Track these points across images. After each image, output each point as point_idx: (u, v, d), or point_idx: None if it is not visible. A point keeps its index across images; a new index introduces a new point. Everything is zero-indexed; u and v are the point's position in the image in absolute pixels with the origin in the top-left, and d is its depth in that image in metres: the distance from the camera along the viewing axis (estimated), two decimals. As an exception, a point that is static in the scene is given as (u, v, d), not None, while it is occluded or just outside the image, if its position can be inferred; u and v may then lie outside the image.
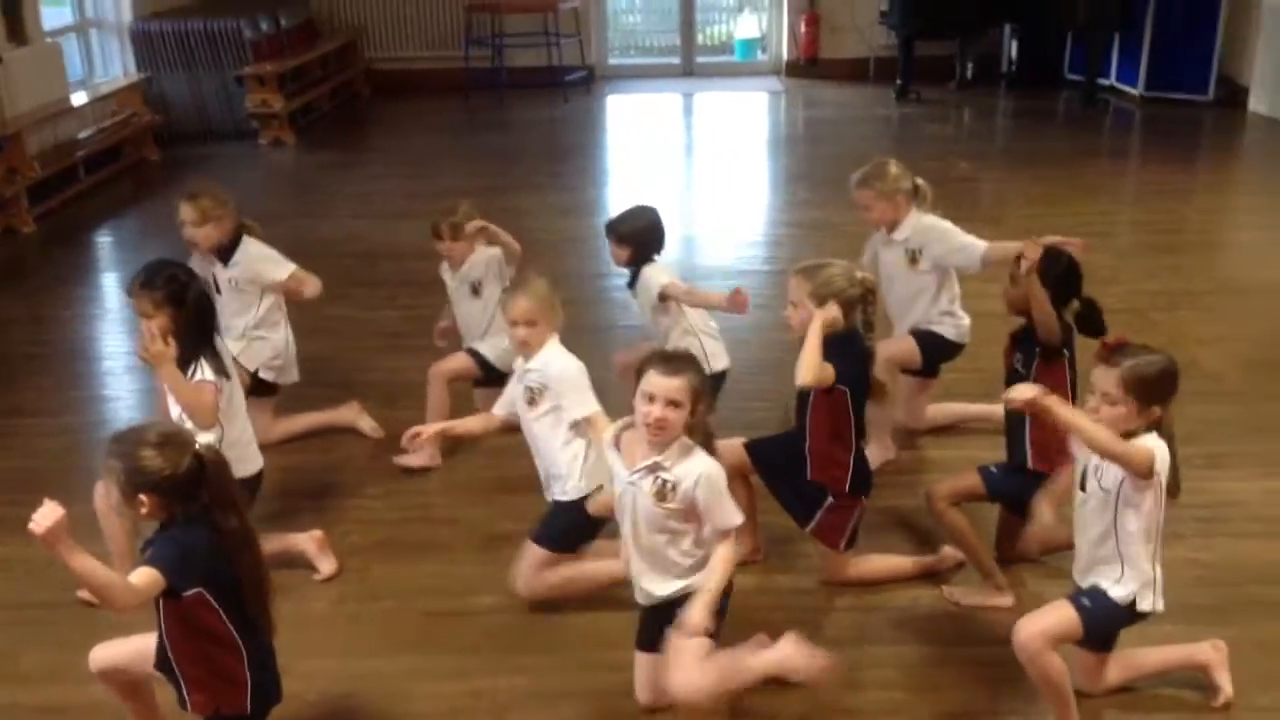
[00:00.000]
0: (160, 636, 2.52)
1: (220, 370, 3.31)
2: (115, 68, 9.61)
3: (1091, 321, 3.40)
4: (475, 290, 4.30)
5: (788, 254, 6.42)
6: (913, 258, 4.09)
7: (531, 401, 3.30)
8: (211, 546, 2.45)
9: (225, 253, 4.20)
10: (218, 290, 4.16)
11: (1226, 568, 2.93)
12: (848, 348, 3.26)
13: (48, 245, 7.16)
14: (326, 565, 3.58)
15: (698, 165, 9.46)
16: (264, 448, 3.68)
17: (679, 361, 2.74)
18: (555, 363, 3.29)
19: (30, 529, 2.23)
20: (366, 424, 4.45)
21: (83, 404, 4.97)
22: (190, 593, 2.43)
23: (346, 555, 3.70)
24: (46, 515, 2.22)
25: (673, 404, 2.65)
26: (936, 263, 4.07)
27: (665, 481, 2.70)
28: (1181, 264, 6.26)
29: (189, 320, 3.28)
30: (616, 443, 2.83)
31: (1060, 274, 3.39)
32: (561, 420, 3.26)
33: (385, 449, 4.34)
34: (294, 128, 9.70)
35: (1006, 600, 3.30)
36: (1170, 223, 7.04)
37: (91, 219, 7.75)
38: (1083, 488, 2.79)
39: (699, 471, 2.69)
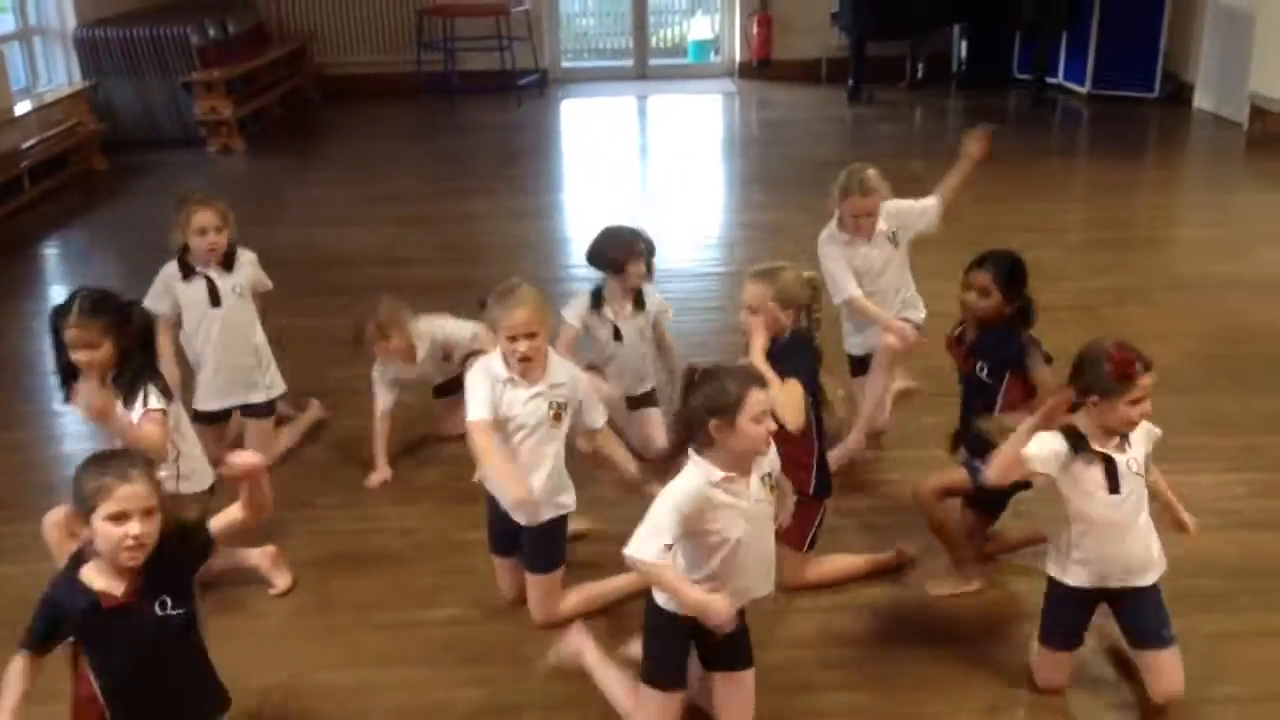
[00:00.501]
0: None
1: (165, 391, 3.18)
2: (60, 75, 9.46)
3: (1027, 315, 3.45)
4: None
5: (744, 255, 6.44)
6: (895, 241, 4.23)
7: (557, 417, 3.17)
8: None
9: (228, 259, 4.08)
10: (217, 303, 4.04)
11: (1177, 560, 2.96)
12: (804, 350, 3.27)
13: (-8, 257, 7.04)
14: (281, 580, 3.53)
15: (652, 168, 9.47)
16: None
17: (757, 370, 2.85)
18: (576, 373, 3.27)
19: None
20: (316, 410, 4.47)
21: (31, 419, 4.89)
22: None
23: (301, 568, 3.65)
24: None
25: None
26: (910, 235, 4.26)
27: (772, 475, 2.74)
28: (1130, 260, 6.35)
29: (135, 345, 3.16)
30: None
31: (1009, 272, 3.42)
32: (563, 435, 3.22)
33: (338, 460, 4.30)
34: (244, 134, 9.60)
35: (974, 586, 3.37)
36: (1118, 219, 7.14)
37: (37, 230, 7.62)
38: (1116, 490, 2.78)
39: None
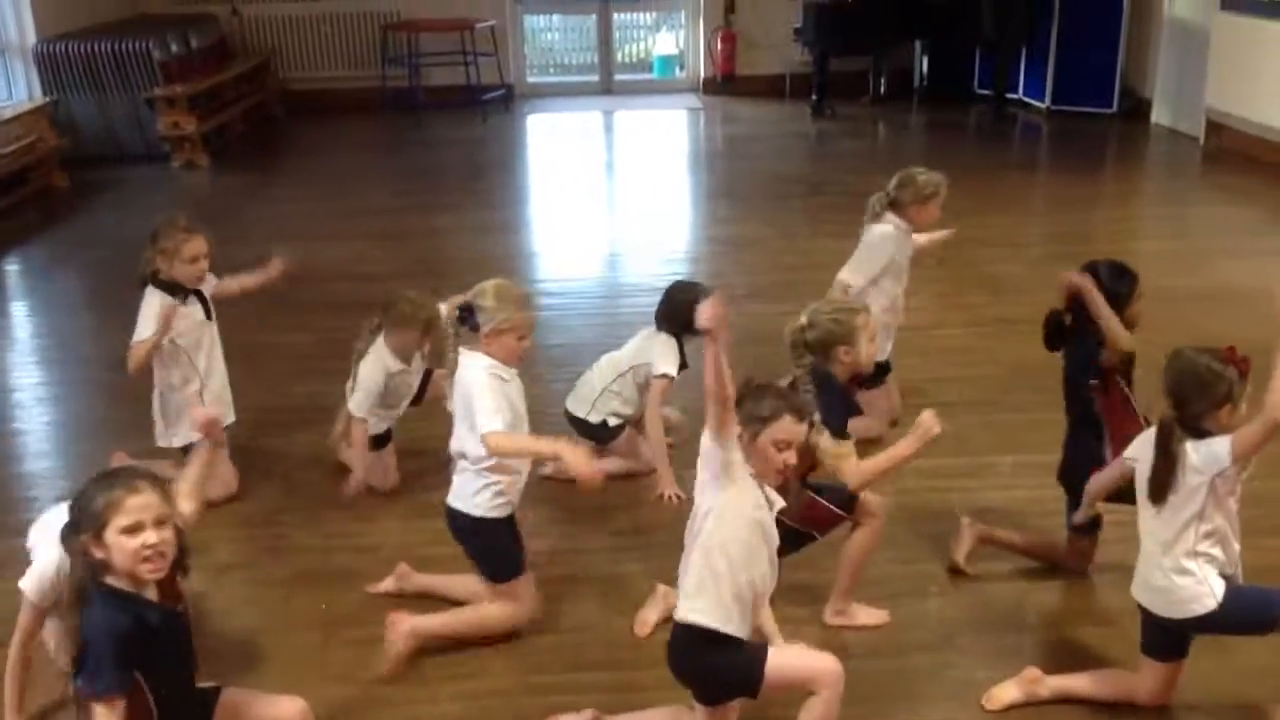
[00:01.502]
0: None
1: None
2: (20, 90, 9.37)
3: None
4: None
5: (709, 269, 6.47)
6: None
7: None
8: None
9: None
10: (210, 315, 4.11)
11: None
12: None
13: (-49, 274, 6.96)
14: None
15: (619, 182, 9.50)
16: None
17: (800, 399, 2.77)
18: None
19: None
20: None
21: (52, 399, 4.84)
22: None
23: (266, 587, 3.63)
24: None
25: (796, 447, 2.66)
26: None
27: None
28: (1091, 273, 6.41)
29: None
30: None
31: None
32: None
33: (301, 477, 4.28)
34: (207, 150, 9.54)
35: None
36: (1078, 233, 7.22)
37: (-4, 246, 7.54)
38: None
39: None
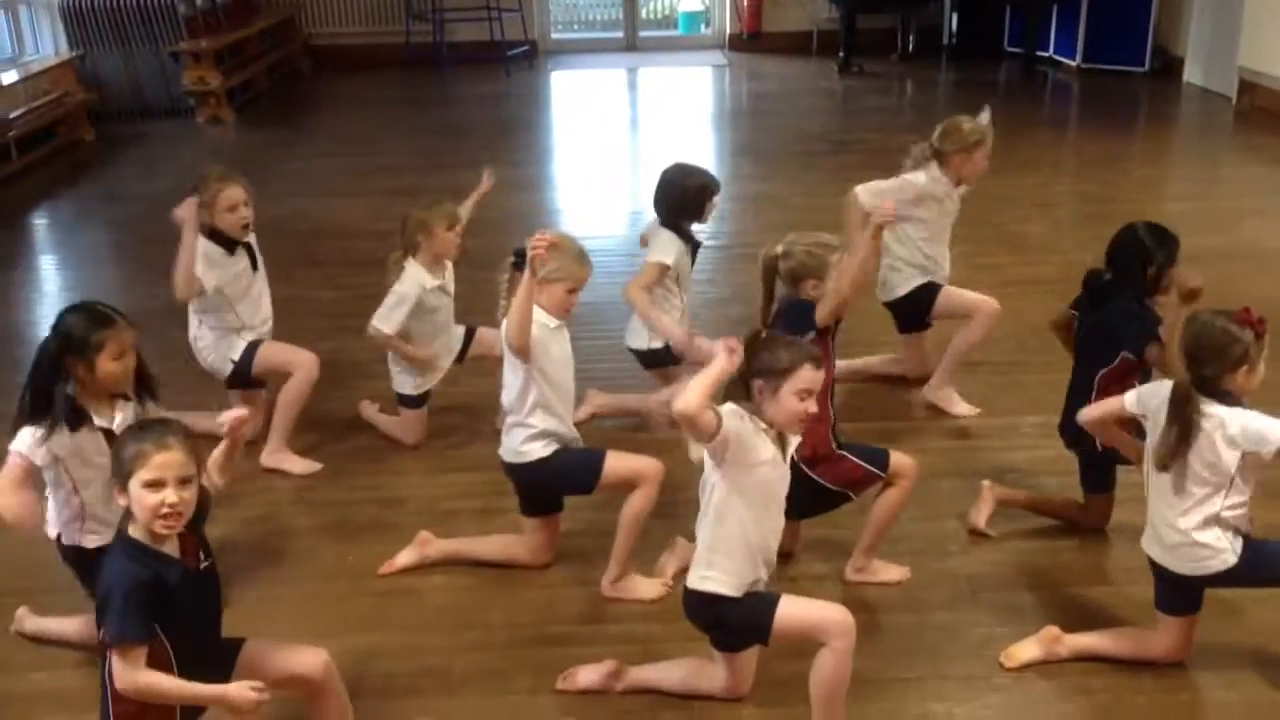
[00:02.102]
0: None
1: None
2: (46, 45, 9.40)
3: None
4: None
5: (733, 228, 6.45)
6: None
7: None
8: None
9: None
10: (256, 266, 4.10)
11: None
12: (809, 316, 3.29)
13: (-20, 228, 7.02)
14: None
15: (643, 140, 9.45)
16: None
17: (814, 349, 2.69)
18: None
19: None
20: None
21: (18, 391, 4.87)
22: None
23: (295, 536, 3.68)
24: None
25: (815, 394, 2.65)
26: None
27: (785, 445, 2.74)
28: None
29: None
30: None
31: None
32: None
33: (326, 431, 4.32)
34: (232, 105, 9.56)
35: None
36: (1107, 193, 7.16)
37: (25, 201, 7.60)
38: None
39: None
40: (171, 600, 2.32)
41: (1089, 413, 3.13)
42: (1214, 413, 2.72)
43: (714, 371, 2.47)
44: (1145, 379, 3.26)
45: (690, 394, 2.46)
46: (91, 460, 2.84)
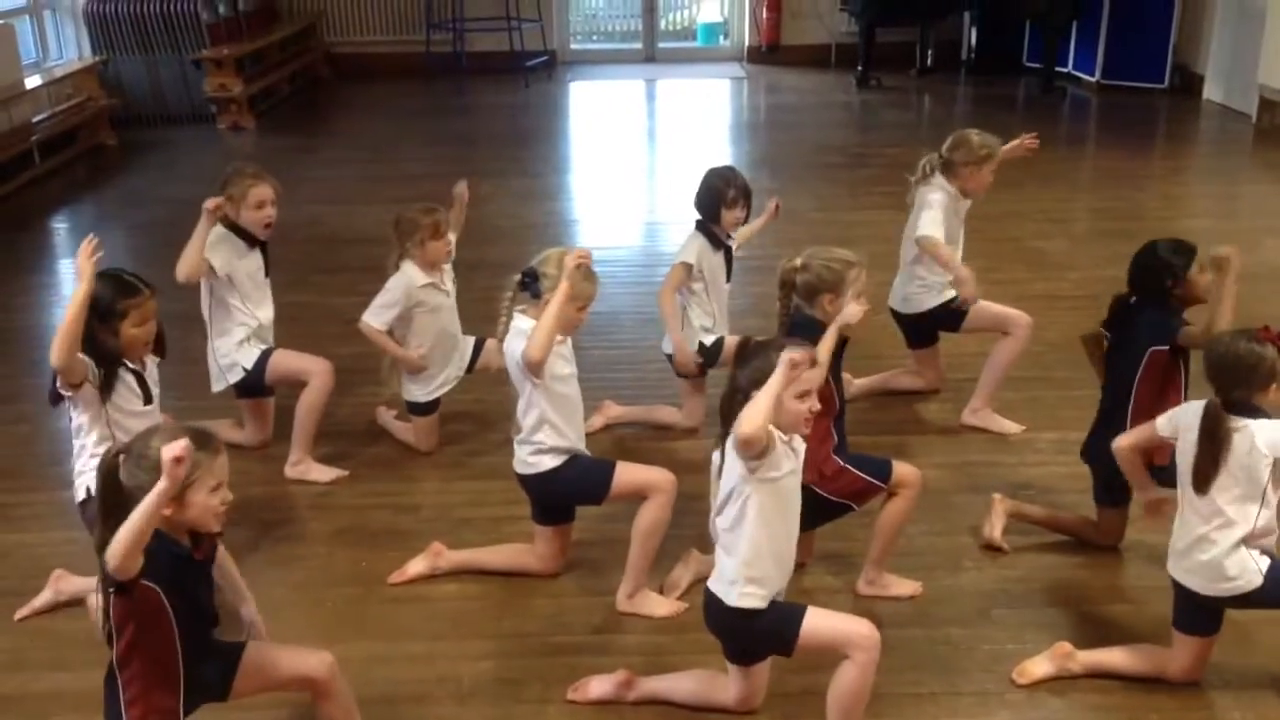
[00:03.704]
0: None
1: None
2: (70, 50, 9.48)
3: None
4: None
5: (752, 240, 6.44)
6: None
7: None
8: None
9: None
10: (267, 273, 4.12)
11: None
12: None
13: (2, 231, 7.07)
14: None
15: (660, 151, 9.47)
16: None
17: (809, 348, 2.66)
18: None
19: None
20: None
21: (38, 391, 4.84)
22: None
23: (308, 542, 3.70)
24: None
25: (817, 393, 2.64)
26: None
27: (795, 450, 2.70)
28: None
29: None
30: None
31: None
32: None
33: (342, 437, 4.34)
34: (253, 112, 9.62)
35: None
36: (1126, 210, 7.14)
37: (47, 205, 7.66)
38: None
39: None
40: (176, 579, 2.34)
41: (1124, 441, 3.09)
42: (1243, 424, 2.73)
43: (773, 388, 2.47)
44: (1171, 382, 3.29)
45: (755, 417, 2.45)
46: (125, 398, 3.11)
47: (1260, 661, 3.05)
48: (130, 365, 3.14)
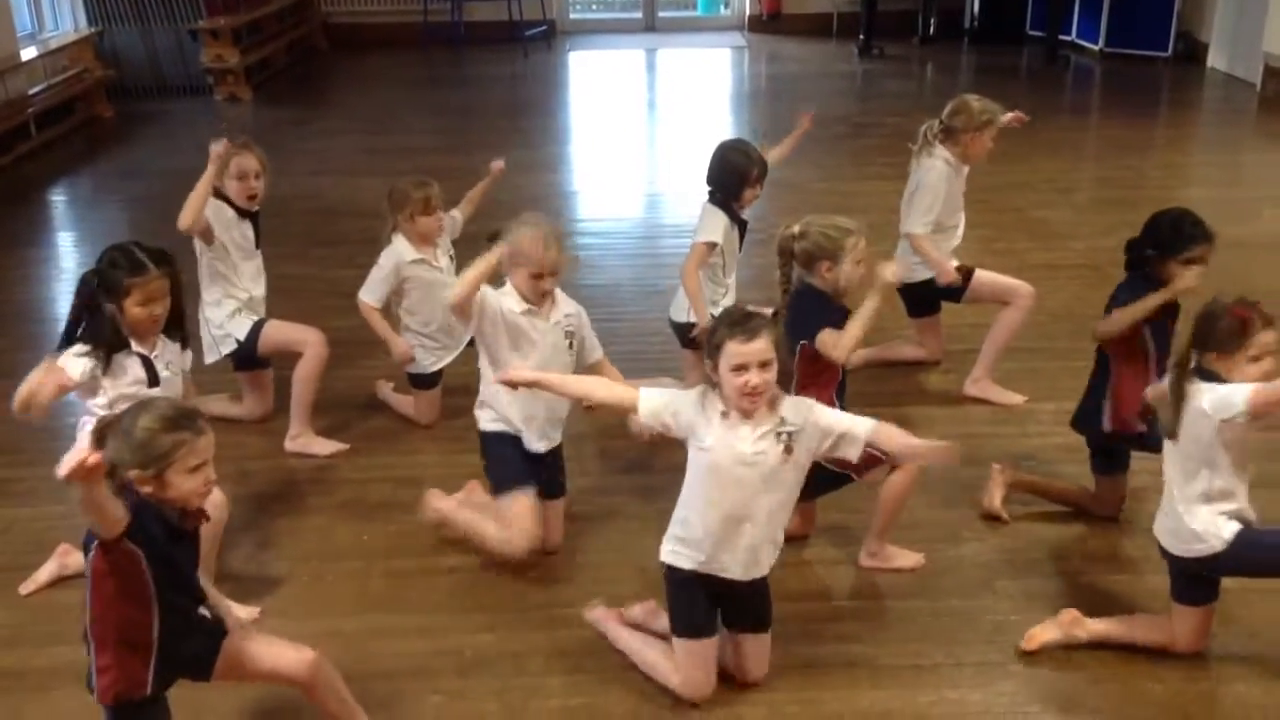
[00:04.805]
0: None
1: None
2: (66, 21, 9.41)
3: None
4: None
5: (752, 211, 6.40)
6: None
7: (570, 346, 3.28)
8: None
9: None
10: (258, 244, 4.09)
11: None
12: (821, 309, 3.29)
13: (-1, 204, 7.04)
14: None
15: (661, 122, 9.41)
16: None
17: (751, 320, 2.62)
18: (573, 303, 3.32)
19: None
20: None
21: (35, 365, 4.89)
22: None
23: (309, 515, 3.69)
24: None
25: (764, 365, 2.59)
26: None
27: (790, 434, 2.65)
28: (1139, 220, 6.17)
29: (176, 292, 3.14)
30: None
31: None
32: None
33: (342, 410, 4.32)
34: (250, 83, 9.56)
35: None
36: (1129, 179, 7.10)
37: (44, 177, 7.62)
38: None
39: (805, 408, 2.69)
40: (160, 544, 2.32)
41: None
42: (1196, 387, 2.75)
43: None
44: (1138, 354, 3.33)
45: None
46: (129, 381, 3.04)
47: (1266, 631, 3.04)
48: (136, 349, 3.06)
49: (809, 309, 3.27)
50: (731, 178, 4.04)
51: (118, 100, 9.12)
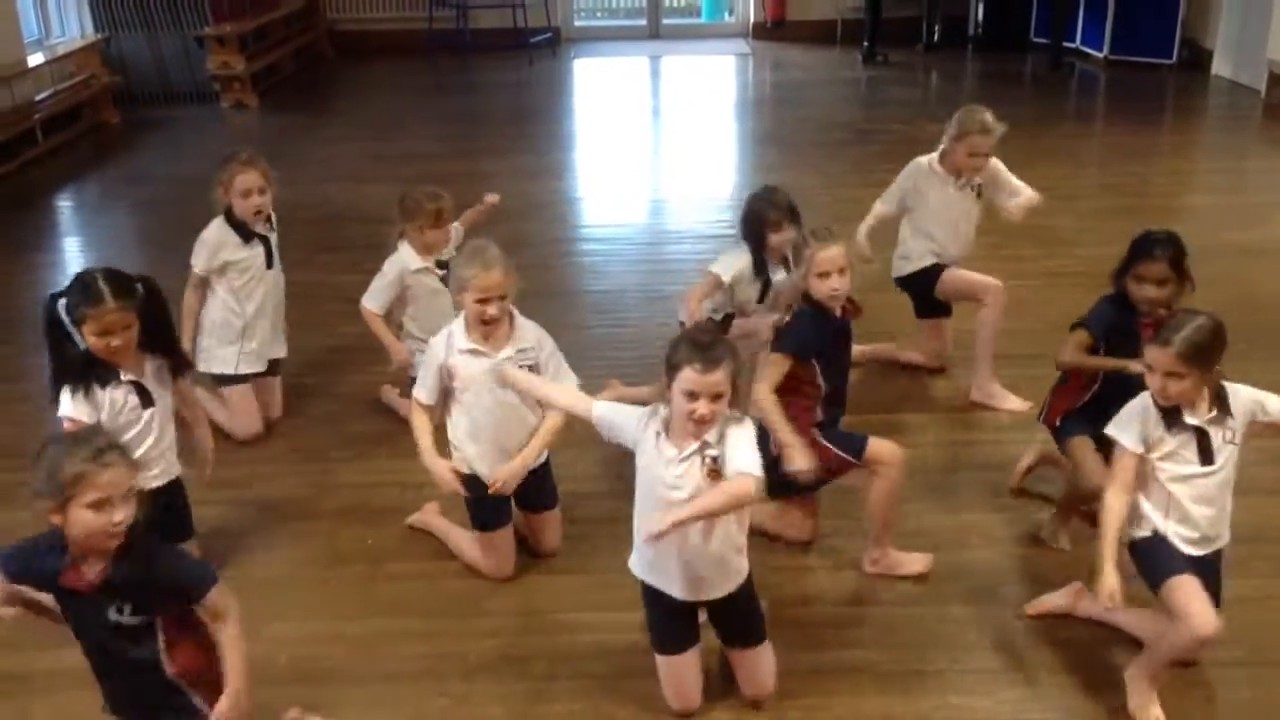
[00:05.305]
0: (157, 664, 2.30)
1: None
2: (72, 28, 9.44)
3: None
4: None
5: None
6: (978, 193, 4.35)
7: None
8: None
9: (270, 219, 4.09)
10: (271, 264, 4.06)
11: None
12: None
13: (5, 210, 7.05)
14: None
15: (665, 128, 9.42)
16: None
17: (714, 350, 2.55)
18: (541, 334, 3.23)
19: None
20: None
21: (40, 370, 4.80)
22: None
23: (313, 520, 3.70)
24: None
25: (717, 397, 2.54)
26: (998, 195, 4.37)
27: (715, 457, 2.59)
28: (1144, 227, 6.28)
29: (152, 318, 3.06)
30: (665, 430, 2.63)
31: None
32: None
33: (348, 414, 4.34)
34: (256, 90, 9.58)
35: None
36: (1133, 186, 7.10)
37: (50, 183, 7.64)
38: (1210, 460, 2.69)
39: (738, 433, 2.62)
40: (58, 598, 2.29)
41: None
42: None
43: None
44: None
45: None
46: (125, 411, 3.01)
47: (1271, 638, 3.05)
48: (114, 377, 2.96)
49: (796, 324, 3.28)
50: (751, 222, 3.85)
51: (124, 106, 9.15)
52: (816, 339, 3.25)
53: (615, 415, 2.76)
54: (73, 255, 6.55)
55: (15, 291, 5.79)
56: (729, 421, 2.61)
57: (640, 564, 2.79)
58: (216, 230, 4.00)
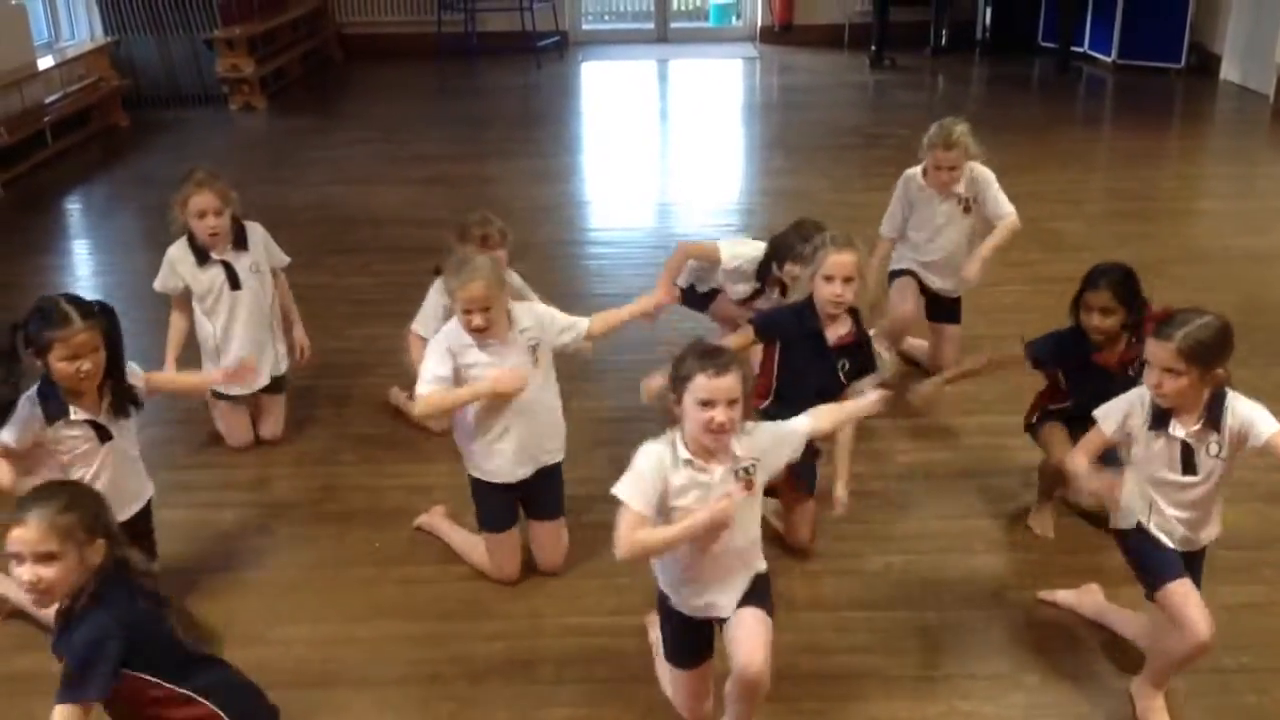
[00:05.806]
0: None
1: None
2: (82, 31, 9.48)
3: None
4: None
5: (762, 222, 6.42)
6: (966, 206, 4.34)
7: (536, 364, 3.22)
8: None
9: (239, 238, 3.96)
10: (237, 285, 3.93)
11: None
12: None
13: (15, 212, 7.08)
14: None
15: (672, 132, 9.43)
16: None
17: (722, 355, 2.50)
18: (532, 312, 3.28)
19: None
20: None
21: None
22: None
23: (321, 523, 3.70)
24: None
25: (732, 402, 2.47)
26: (982, 211, 4.35)
27: (748, 468, 2.54)
28: (1152, 231, 6.30)
29: (113, 347, 2.96)
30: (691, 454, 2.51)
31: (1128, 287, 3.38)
32: (552, 376, 3.30)
33: (357, 418, 4.34)
34: (265, 92, 9.60)
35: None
36: (1142, 190, 7.09)
37: (59, 185, 7.66)
38: (1193, 472, 2.65)
39: (762, 433, 2.59)
40: None
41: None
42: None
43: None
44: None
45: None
46: (76, 449, 2.93)
47: (1276, 645, 3.04)
48: (77, 415, 2.89)
49: (777, 307, 3.40)
50: (781, 244, 3.83)
51: (133, 109, 9.18)
52: (783, 326, 3.27)
53: (644, 473, 2.50)
54: (81, 257, 6.58)
55: (24, 293, 5.78)
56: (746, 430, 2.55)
57: (670, 592, 2.67)
58: (175, 251, 3.93)
